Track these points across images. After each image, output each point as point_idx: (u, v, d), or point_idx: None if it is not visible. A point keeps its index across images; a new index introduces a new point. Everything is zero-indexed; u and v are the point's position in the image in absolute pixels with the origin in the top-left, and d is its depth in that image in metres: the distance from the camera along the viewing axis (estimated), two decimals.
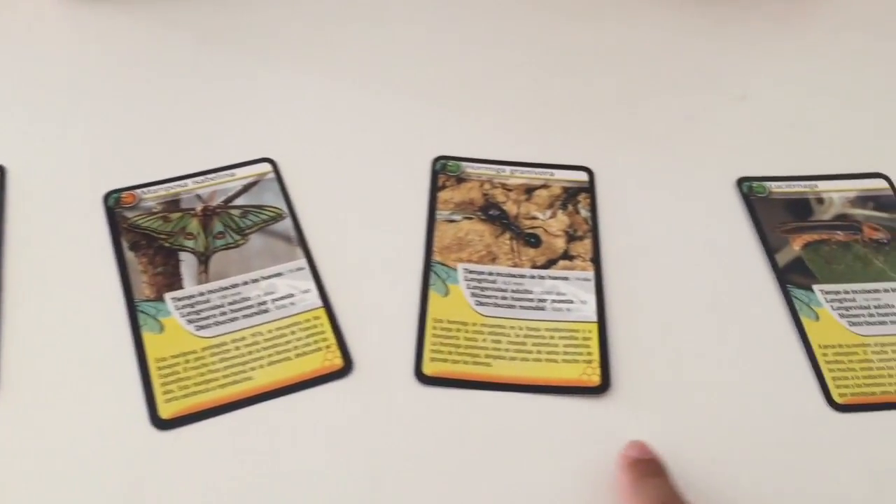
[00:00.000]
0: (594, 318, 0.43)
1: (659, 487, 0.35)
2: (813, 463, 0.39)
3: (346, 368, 0.40)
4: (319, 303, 0.43)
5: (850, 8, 0.62)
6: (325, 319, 0.42)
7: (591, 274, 0.45)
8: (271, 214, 0.46)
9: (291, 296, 0.43)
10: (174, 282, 0.43)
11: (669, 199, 0.49)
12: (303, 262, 0.44)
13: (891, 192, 0.50)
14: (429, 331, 0.42)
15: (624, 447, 0.37)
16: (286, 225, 0.46)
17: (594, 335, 0.42)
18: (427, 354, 0.41)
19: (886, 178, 0.51)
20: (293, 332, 0.42)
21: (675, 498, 0.34)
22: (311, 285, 0.43)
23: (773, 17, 0.61)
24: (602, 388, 0.40)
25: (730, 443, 0.39)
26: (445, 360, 0.41)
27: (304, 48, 0.56)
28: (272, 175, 0.49)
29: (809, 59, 0.58)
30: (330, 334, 0.42)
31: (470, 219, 0.47)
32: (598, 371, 0.41)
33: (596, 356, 0.41)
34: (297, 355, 0.41)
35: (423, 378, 0.40)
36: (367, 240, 0.46)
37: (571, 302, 0.44)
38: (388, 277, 0.44)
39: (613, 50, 0.58)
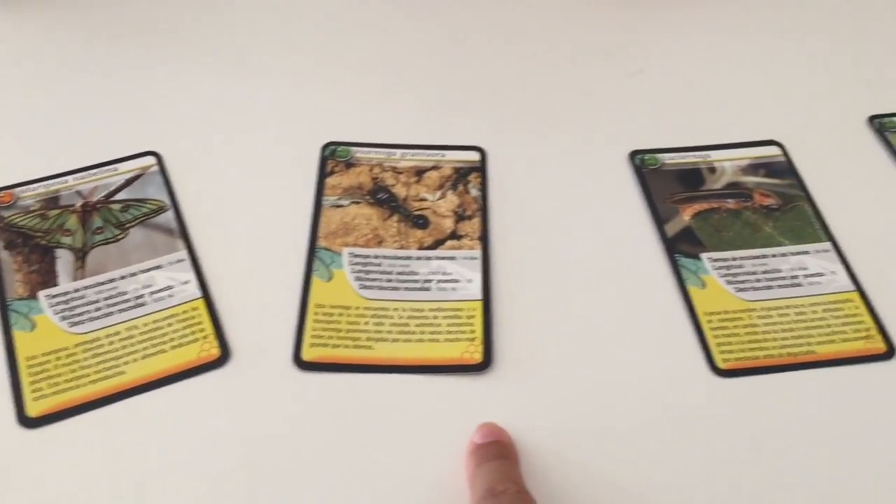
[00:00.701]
0: (479, 296, 0.43)
1: (493, 471, 0.34)
2: (695, 429, 0.38)
3: (222, 358, 0.40)
4: (199, 293, 0.42)
5: None
6: (203, 310, 0.41)
7: (478, 253, 0.44)
8: (153, 207, 0.46)
9: (170, 288, 0.42)
10: (49, 279, 0.42)
11: (562, 175, 0.49)
12: (183, 253, 0.44)
13: (783, 159, 0.50)
14: (310, 317, 0.41)
15: (473, 432, 0.36)
16: (168, 217, 0.45)
17: (478, 313, 0.42)
18: (307, 340, 0.41)
19: (780, 144, 0.51)
20: (170, 325, 0.41)
21: (506, 480, 0.33)
22: (191, 276, 0.43)
23: None
24: (483, 365, 0.40)
25: (613, 413, 0.39)
26: (326, 345, 0.40)
27: (188, 40, 0.55)
28: (156, 168, 0.48)
29: (706, 32, 0.58)
30: (208, 324, 0.41)
31: (358, 203, 0.47)
32: (480, 349, 0.40)
33: (479, 334, 0.41)
34: (173, 347, 0.40)
35: (301, 364, 0.40)
36: (253, 229, 0.45)
37: (457, 281, 0.43)
38: (272, 266, 0.44)
39: (511, 29, 0.58)
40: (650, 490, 0.36)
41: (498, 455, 0.35)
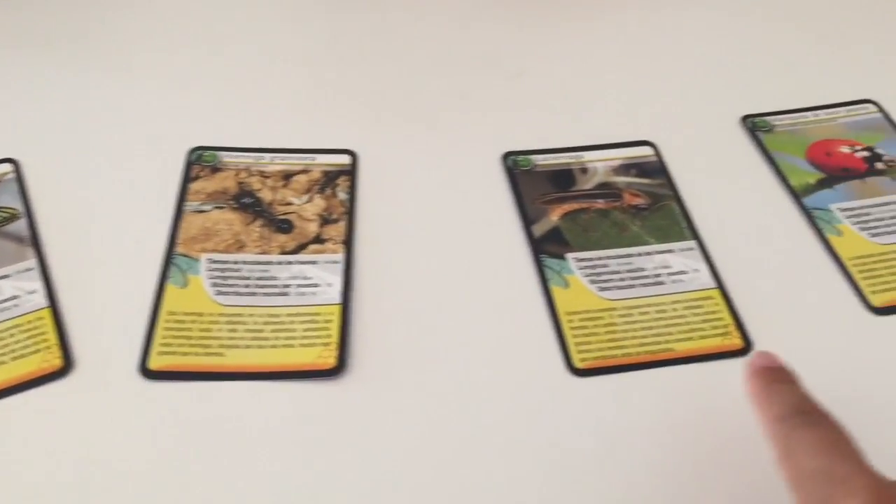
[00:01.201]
0: (338, 300, 0.42)
1: (790, 392, 0.32)
2: (549, 428, 0.38)
3: (65, 369, 0.38)
4: (45, 303, 0.41)
5: None
6: (49, 320, 0.40)
7: (340, 256, 0.44)
8: (4, 216, 0.44)
9: (15, 298, 0.41)
10: None
11: (434, 177, 0.48)
12: (33, 262, 0.42)
13: (655, 159, 0.50)
14: (160, 324, 0.40)
15: (751, 357, 0.35)
16: (20, 226, 0.44)
17: (336, 317, 0.41)
18: (155, 348, 0.39)
19: (653, 144, 0.51)
20: (12, 336, 0.39)
21: (807, 401, 0.31)
22: (39, 286, 0.41)
23: None
24: (337, 370, 0.39)
25: (468, 415, 0.38)
26: (174, 353, 0.39)
27: (51, 43, 0.54)
28: (12, 175, 0.46)
29: (586, 35, 0.59)
30: (52, 334, 0.39)
31: (221, 208, 0.46)
32: (334, 353, 0.40)
33: (335, 338, 0.40)
34: (14, 359, 0.39)
35: (147, 373, 0.39)
36: (109, 237, 0.44)
37: (317, 286, 0.42)
38: (126, 274, 0.43)
39: (391, 33, 0.57)
40: (505, 490, 0.36)
41: (789, 379, 0.33)
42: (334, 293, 0.42)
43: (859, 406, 0.38)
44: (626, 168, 0.50)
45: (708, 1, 0.62)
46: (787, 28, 0.60)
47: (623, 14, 0.60)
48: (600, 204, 0.48)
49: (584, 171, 0.49)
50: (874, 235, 0.46)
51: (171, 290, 0.42)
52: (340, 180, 0.48)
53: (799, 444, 0.29)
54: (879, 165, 0.50)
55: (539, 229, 0.46)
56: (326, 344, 0.40)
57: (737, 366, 0.40)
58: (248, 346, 0.40)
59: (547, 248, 0.45)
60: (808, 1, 0.62)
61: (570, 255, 0.45)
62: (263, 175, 0.48)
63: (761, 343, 0.41)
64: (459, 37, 0.57)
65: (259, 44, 0.56)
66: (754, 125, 0.53)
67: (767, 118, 0.53)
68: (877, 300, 0.43)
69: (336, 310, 0.41)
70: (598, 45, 0.58)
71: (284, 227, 0.45)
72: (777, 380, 0.34)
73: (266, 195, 0.47)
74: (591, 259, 0.45)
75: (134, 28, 0.55)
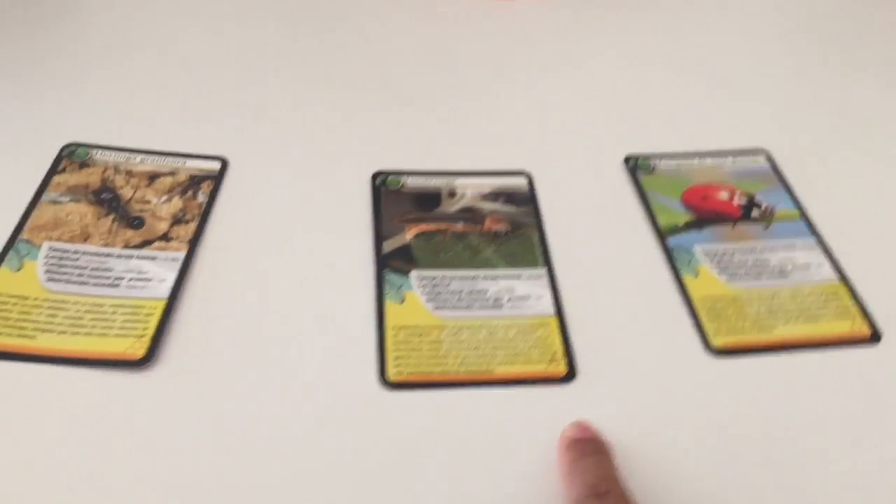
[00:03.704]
0: (165, 296, 0.42)
1: (594, 466, 0.34)
2: (353, 439, 0.37)
3: None
4: None
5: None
6: None
7: (181, 255, 0.44)
8: None
9: None
10: None
11: (300, 191, 0.49)
12: None
13: (527, 189, 0.50)
14: None
15: (565, 428, 0.36)
16: None
17: (158, 312, 0.41)
18: None
19: (528, 175, 0.51)
20: None
21: (608, 476, 0.33)
22: None
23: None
24: (143, 361, 0.39)
25: (276, 419, 0.38)
26: None
27: None
28: None
29: (482, 67, 0.59)
30: None
31: (78, 201, 0.46)
32: (145, 346, 0.39)
33: (150, 331, 0.40)
34: None
35: None
36: None
37: (149, 280, 0.43)
38: None
39: (285, 49, 0.59)
40: (300, 490, 0.35)
41: (597, 451, 0.34)
42: (164, 289, 0.42)
43: (681, 445, 0.37)
44: (495, 195, 0.49)
45: (616, 45, 0.62)
46: (692, 74, 0.60)
47: (517, 48, 0.61)
48: (459, 227, 0.47)
49: (453, 194, 0.49)
50: (730, 279, 0.46)
51: (3, 272, 0.42)
52: (204, 185, 0.48)
53: None
54: (754, 213, 0.50)
55: (390, 245, 0.46)
56: (140, 336, 0.40)
57: (557, 392, 0.39)
58: (62, 332, 0.40)
59: (393, 263, 0.45)
60: (715, 51, 0.63)
61: (414, 273, 0.44)
62: (130, 174, 0.48)
63: (586, 373, 0.41)
64: (356, 58, 0.58)
65: (154, 48, 0.57)
66: (636, 165, 0.52)
67: (651, 159, 0.53)
68: (718, 341, 0.42)
69: (160, 304, 0.41)
70: (492, 78, 0.58)
71: (135, 223, 0.45)
72: (586, 454, 0.34)
73: (126, 192, 0.47)
74: (433, 278, 0.44)
75: (20, 28, 0.57)
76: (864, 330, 0.44)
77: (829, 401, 0.40)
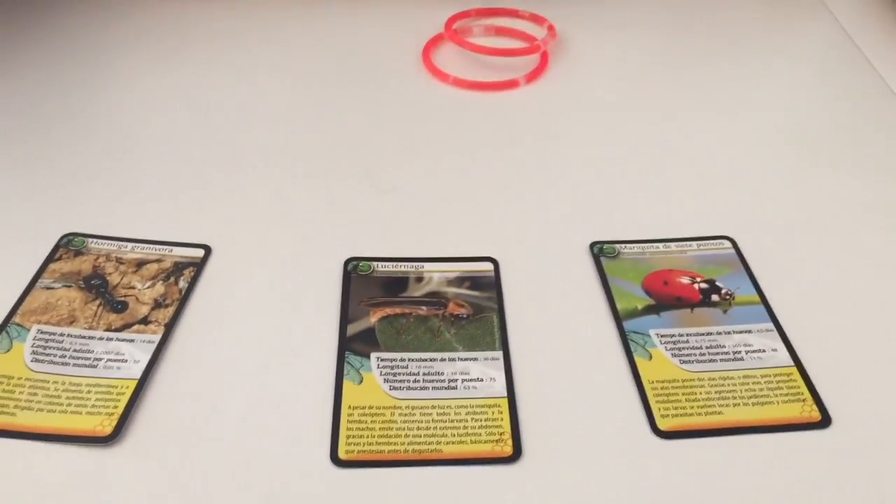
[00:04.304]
0: (137, 376, 0.45)
1: None
2: None
3: None
4: None
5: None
6: None
7: (157, 337, 0.47)
8: None
9: None
10: None
11: (275, 276, 0.52)
12: None
13: (492, 274, 0.52)
14: None
15: None
16: None
17: (129, 391, 0.44)
18: None
19: (494, 261, 0.53)
20: None
21: None
22: None
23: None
24: (109, 438, 0.42)
25: (227, 499, 0.40)
26: None
27: None
28: None
29: (461, 159, 0.62)
30: None
31: (69, 287, 0.50)
32: (114, 423, 0.42)
33: (120, 410, 0.43)
34: None
35: None
36: None
37: (125, 361, 0.46)
38: None
39: (276, 138, 0.62)
40: None
41: None
42: (137, 369, 0.45)
43: None
44: (460, 280, 0.52)
45: (587, 131, 0.65)
46: (662, 162, 0.62)
47: (484, 138, 0.64)
48: (423, 311, 0.50)
49: (420, 279, 0.52)
50: (683, 362, 0.47)
51: None
52: (187, 271, 0.51)
53: None
54: (714, 297, 0.51)
55: (354, 328, 0.48)
56: (110, 414, 0.43)
57: (501, 472, 0.41)
58: (40, 410, 0.43)
59: (355, 346, 0.47)
60: (687, 139, 0.65)
61: (374, 355, 0.47)
62: (119, 261, 0.52)
63: (532, 454, 0.42)
64: (340, 148, 0.62)
65: (153, 142, 0.61)
66: (601, 250, 0.54)
67: (616, 245, 0.55)
68: (664, 424, 0.43)
69: (132, 384, 0.44)
70: (467, 166, 0.61)
71: (119, 307, 0.49)
72: None
73: (115, 279, 0.51)
74: (392, 360, 0.46)
75: (49, 125, 0.62)
76: (815, 414, 0.44)
77: (775, 484, 0.41)
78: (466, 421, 0.43)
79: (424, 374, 0.46)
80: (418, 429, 0.43)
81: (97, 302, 0.49)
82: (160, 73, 0.71)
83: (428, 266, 0.53)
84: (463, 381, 0.45)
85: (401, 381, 0.45)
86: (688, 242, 0.55)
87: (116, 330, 0.47)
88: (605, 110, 0.68)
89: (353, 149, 0.63)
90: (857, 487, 0.41)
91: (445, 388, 0.45)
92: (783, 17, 0.83)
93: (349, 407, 0.44)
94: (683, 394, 0.45)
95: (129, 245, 0.53)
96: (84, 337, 0.47)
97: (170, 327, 0.48)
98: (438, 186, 0.59)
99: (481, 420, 0.43)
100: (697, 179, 0.61)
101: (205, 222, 0.55)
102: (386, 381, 0.45)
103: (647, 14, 0.83)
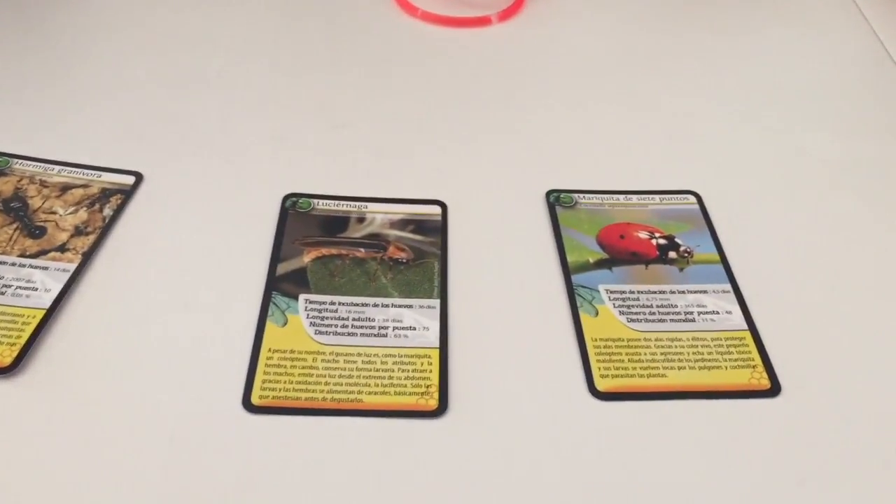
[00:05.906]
0: (46, 305, 0.42)
1: None
2: (214, 462, 0.36)
3: None
4: None
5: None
6: None
7: (72, 266, 0.44)
8: None
9: None
10: None
11: (209, 209, 0.49)
12: None
13: (439, 219, 0.49)
14: None
15: None
16: None
17: (35, 321, 0.41)
18: None
19: (443, 204, 0.50)
20: None
21: None
22: None
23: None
24: (10, 368, 0.39)
25: (125, 443, 0.37)
26: None
27: None
28: None
29: (415, 96, 0.59)
30: None
31: None
32: (14, 353, 0.39)
33: (23, 340, 0.40)
34: None
35: None
36: None
37: (35, 290, 0.43)
38: None
39: (228, 68, 0.59)
40: None
41: None
42: (47, 299, 0.42)
43: (548, 488, 0.35)
44: (404, 223, 0.49)
45: (559, 83, 0.62)
46: (631, 113, 0.59)
47: (444, 77, 0.60)
48: (360, 253, 0.47)
49: (362, 220, 0.49)
50: (631, 321, 0.44)
51: None
52: (114, 198, 0.48)
53: None
54: (672, 254, 0.48)
55: (284, 268, 0.45)
56: (12, 344, 0.40)
57: (426, 426, 0.38)
58: None
59: (283, 286, 0.44)
60: (661, 91, 0.62)
61: (303, 297, 0.44)
62: (43, 184, 0.49)
63: (459, 409, 0.39)
64: (295, 80, 0.58)
65: (95, 67, 0.58)
66: (557, 199, 0.51)
67: (574, 195, 0.52)
68: (602, 384, 0.41)
69: (39, 314, 0.41)
70: (424, 108, 0.58)
71: (37, 232, 0.46)
72: None
73: (36, 202, 0.47)
74: (321, 303, 0.44)
75: None
76: (764, 382, 0.42)
77: (715, 453, 0.38)
78: (392, 371, 0.41)
79: (354, 320, 0.43)
80: (340, 377, 0.40)
81: (14, 226, 0.46)
82: None
83: (372, 206, 0.50)
84: (394, 328, 0.43)
85: (328, 325, 0.42)
86: (650, 196, 0.52)
87: (31, 256, 0.44)
88: (578, 56, 0.65)
89: (308, 80, 0.59)
90: (800, 460, 0.38)
91: (375, 336, 0.42)
92: None
93: (269, 350, 0.41)
94: (627, 354, 0.42)
95: (56, 168, 0.50)
96: None
97: (88, 256, 0.45)
98: (394, 125, 0.56)
99: (408, 371, 0.41)
100: (668, 132, 0.57)
101: (140, 149, 0.52)
102: (312, 324, 0.42)
103: None
